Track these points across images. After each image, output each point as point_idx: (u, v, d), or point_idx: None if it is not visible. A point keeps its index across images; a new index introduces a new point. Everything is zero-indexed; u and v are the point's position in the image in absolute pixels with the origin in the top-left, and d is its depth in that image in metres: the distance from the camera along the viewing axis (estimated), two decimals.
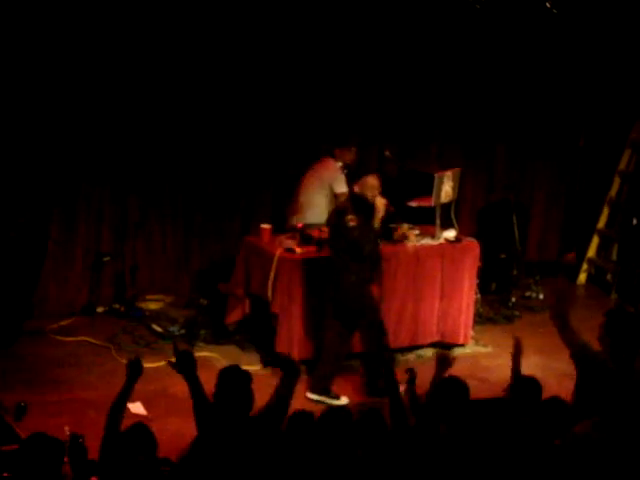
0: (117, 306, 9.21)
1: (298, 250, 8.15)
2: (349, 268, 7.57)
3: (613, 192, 11.12)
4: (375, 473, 4.78)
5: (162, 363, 7.81)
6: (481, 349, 8.88)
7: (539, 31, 10.31)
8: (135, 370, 5.29)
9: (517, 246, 10.28)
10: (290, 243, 8.23)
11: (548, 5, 9.36)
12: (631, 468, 4.88)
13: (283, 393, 5.41)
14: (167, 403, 7.10)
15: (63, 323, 8.77)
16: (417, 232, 8.61)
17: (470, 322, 8.86)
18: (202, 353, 8.27)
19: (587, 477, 4.88)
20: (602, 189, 11.15)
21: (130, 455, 4.51)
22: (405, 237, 8.49)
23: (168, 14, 8.94)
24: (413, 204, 9.21)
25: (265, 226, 8.48)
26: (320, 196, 8.77)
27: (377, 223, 7.58)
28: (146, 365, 7.75)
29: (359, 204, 7.61)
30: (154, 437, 4.65)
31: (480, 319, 9.40)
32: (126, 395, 5.19)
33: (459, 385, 5.34)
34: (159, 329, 8.77)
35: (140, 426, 4.70)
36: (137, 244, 9.45)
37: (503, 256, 10.40)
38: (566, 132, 11.22)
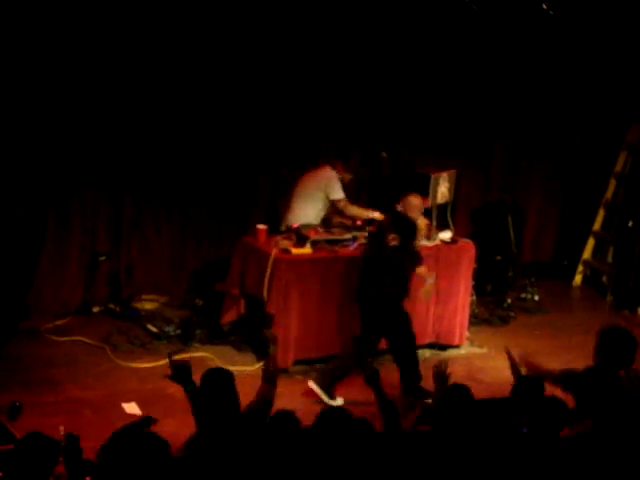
0: (112, 306, 9.20)
1: (294, 251, 8.15)
2: (384, 283, 7.57)
3: (609, 194, 11.13)
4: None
5: (158, 363, 7.83)
6: (476, 350, 8.88)
7: (536, 33, 10.31)
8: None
9: (513, 247, 10.28)
10: (286, 244, 8.23)
11: (544, 6, 9.36)
12: (627, 468, 4.89)
13: (264, 393, 5.47)
14: (163, 404, 7.08)
15: (58, 323, 8.75)
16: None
17: (465, 323, 8.87)
18: (197, 353, 8.28)
19: (584, 477, 4.89)
20: (598, 191, 11.16)
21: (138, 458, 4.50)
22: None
23: (168, 16, 8.92)
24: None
25: (261, 226, 8.47)
26: (315, 200, 8.74)
27: (419, 243, 7.65)
28: (141, 365, 7.88)
29: (401, 223, 7.59)
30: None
31: (475, 320, 9.40)
32: None
33: (464, 392, 5.36)
34: (154, 329, 8.75)
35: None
36: (132, 244, 9.44)
37: (499, 257, 10.40)
38: (562, 134, 11.23)
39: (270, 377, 5.69)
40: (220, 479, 4.78)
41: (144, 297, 9.41)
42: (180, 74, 9.14)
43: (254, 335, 8.49)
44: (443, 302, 8.62)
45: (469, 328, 8.99)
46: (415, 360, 7.78)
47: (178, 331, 8.72)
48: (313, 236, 8.29)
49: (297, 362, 8.12)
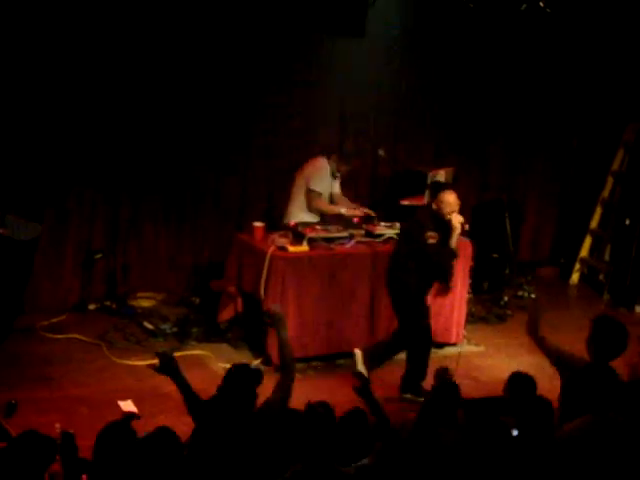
0: (109, 303, 9.20)
1: (291, 248, 8.14)
2: (413, 272, 7.57)
3: (606, 192, 11.15)
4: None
5: (154, 361, 7.81)
6: (473, 348, 8.88)
7: (533, 32, 10.32)
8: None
9: (510, 245, 10.28)
10: (283, 241, 8.22)
11: (542, 4, 9.35)
12: (623, 466, 4.89)
13: (280, 383, 5.44)
14: (158, 401, 7.08)
15: (54, 320, 8.74)
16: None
17: (462, 321, 8.86)
18: (194, 351, 8.27)
19: (578, 475, 4.88)
20: (595, 189, 11.17)
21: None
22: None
23: (166, 16, 8.93)
24: (406, 203, 9.20)
25: (258, 224, 8.46)
26: (303, 192, 8.77)
27: (454, 242, 7.56)
28: (137, 363, 7.88)
29: (438, 221, 7.56)
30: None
31: (472, 318, 9.41)
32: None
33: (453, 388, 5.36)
34: (151, 327, 8.75)
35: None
36: (129, 241, 9.44)
37: (495, 255, 10.41)
38: (560, 132, 11.26)
39: (286, 364, 5.65)
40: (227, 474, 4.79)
41: (140, 294, 9.40)
42: (176, 73, 9.15)
43: (251, 333, 8.49)
44: (440, 300, 8.61)
45: (466, 326, 8.98)
46: (426, 358, 7.76)
47: (174, 329, 8.72)
48: (310, 234, 8.27)
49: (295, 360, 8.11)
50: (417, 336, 7.72)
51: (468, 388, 7.56)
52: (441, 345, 8.67)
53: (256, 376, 5.25)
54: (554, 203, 11.57)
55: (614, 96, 11.00)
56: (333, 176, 8.84)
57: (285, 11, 9.26)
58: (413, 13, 9.85)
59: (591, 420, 5.04)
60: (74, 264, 9.19)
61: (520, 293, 10.40)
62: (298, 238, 8.25)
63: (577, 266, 11.23)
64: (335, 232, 8.43)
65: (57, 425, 5.10)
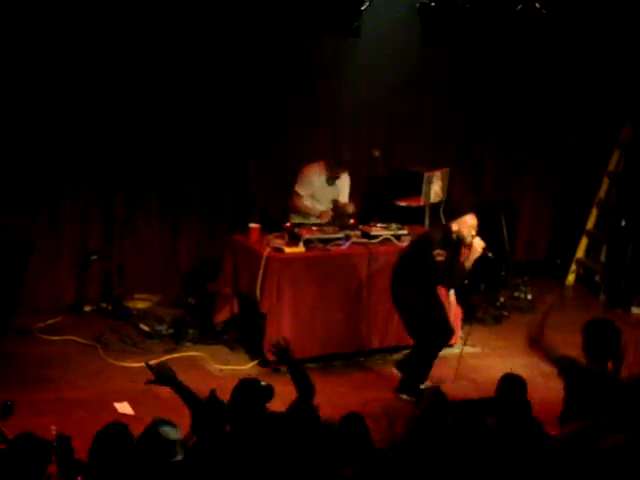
0: (104, 305, 9.18)
1: (287, 249, 8.13)
2: (413, 282, 7.60)
3: (602, 193, 11.14)
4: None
5: (150, 363, 7.80)
6: (470, 349, 8.87)
7: (529, 32, 10.31)
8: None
9: (506, 246, 10.27)
10: (279, 242, 8.21)
11: (537, 5, 9.36)
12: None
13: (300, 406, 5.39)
14: (154, 403, 7.06)
15: (50, 322, 8.72)
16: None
17: (458, 322, 8.85)
18: (190, 353, 8.26)
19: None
20: (591, 190, 11.17)
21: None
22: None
23: (162, 15, 8.92)
24: (402, 204, 9.20)
25: (254, 225, 8.45)
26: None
27: (470, 263, 7.55)
28: (133, 365, 7.86)
29: (451, 240, 7.55)
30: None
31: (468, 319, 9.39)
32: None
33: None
34: (146, 328, 8.73)
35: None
36: (124, 243, 9.42)
37: (492, 256, 10.39)
38: (555, 133, 11.25)
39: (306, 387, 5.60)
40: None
41: (136, 296, 9.39)
42: (169, 71, 9.14)
43: (247, 334, 8.48)
44: None
45: (462, 327, 8.97)
46: (430, 363, 7.76)
47: (170, 330, 8.70)
48: (306, 235, 8.26)
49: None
50: (429, 339, 7.73)
51: (466, 389, 7.61)
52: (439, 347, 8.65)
53: (266, 392, 5.18)
54: (550, 204, 11.57)
55: (609, 96, 11.00)
56: (328, 183, 8.84)
57: (278, 11, 9.26)
58: (409, 13, 9.83)
59: (588, 424, 5.03)
60: (69, 265, 9.18)
61: (516, 294, 10.39)
62: (294, 239, 8.24)
63: (573, 267, 11.23)
64: (331, 233, 8.43)
65: (53, 427, 5.09)
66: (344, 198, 8.95)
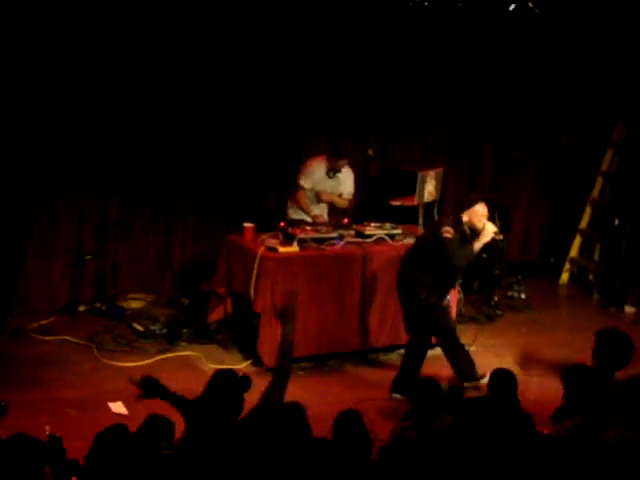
0: (98, 305, 9.17)
1: (281, 249, 8.12)
2: (424, 283, 7.58)
3: (595, 192, 11.15)
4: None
5: (144, 362, 7.81)
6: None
7: (522, 32, 10.32)
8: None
9: (499, 245, 10.27)
10: (273, 242, 8.21)
11: (531, 5, 9.36)
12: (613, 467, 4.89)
13: (272, 394, 5.40)
14: (148, 403, 7.05)
15: (44, 322, 8.71)
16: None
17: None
18: (184, 352, 8.26)
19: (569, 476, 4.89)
20: (585, 189, 11.18)
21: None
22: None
23: (159, 15, 8.91)
24: (396, 203, 9.20)
25: (248, 225, 8.44)
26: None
27: (479, 245, 7.59)
28: (127, 364, 7.85)
29: (463, 231, 7.57)
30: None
31: (462, 318, 9.39)
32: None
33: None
34: (140, 328, 8.72)
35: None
36: (119, 243, 9.41)
37: (485, 255, 10.40)
38: (549, 133, 11.26)
39: (283, 362, 5.59)
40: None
41: (130, 296, 9.38)
42: (165, 73, 9.13)
43: (241, 334, 8.48)
44: None
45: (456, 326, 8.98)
46: (420, 363, 7.75)
47: (164, 330, 8.69)
48: (300, 234, 8.26)
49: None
50: (419, 340, 7.74)
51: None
52: (432, 345, 8.65)
53: (244, 383, 5.17)
54: (544, 203, 11.57)
55: (603, 95, 11.01)
56: (328, 175, 8.87)
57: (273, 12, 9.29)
58: (402, 13, 9.84)
59: (582, 421, 5.04)
60: (63, 265, 9.17)
61: (510, 293, 10.40)
62: (288, 239, 8.24)
63: (567, 266, 11.23)
64: (325, 233, 8.42)
65: (47, 427, 5.09)
66: (348, 191, 8.99)
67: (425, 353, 7.80)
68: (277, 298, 8.00)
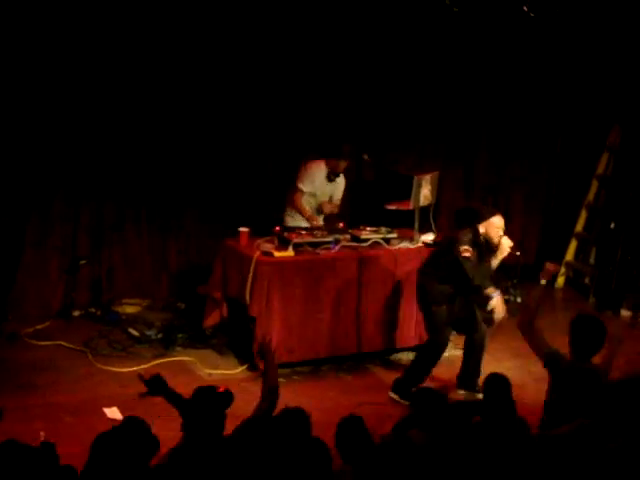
0: (93, 310, 9.16)
1: (276, 253, 8.11)
2: (435, 288, 7.63)
3: (591, 196, 11.17)
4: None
5: (139, 367, 7.78)
6: (459, 352, 8.84)
7: (517, 36, 10.33)
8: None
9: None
10: (268, 246, 8.20)
11: (525, 9, 9.36)
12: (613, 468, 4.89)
13: (264, 409, 5.38)
14: (144, 408, 7.03)
15: (38, 327, 8.69)
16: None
17: None
18: (179, 357, 8.24)
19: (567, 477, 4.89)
20: (580, 193, 11.19)
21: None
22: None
23: (159, 15, 8.90)
24: (392, 207, 9.19)
25: (243, 229, 8.44)
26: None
27: (497, 262, 7.62)
28: (122, 370, 7.83)
29: (479, 243, 7.56)
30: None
31: None
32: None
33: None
34: (136, 333, 8.71)
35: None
36: (114, 247, 9.40)
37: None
38: (544, 136, 11.26)
39: (269, 392, 5.57)
40: None
41: (125, 301, 9.36)
42: (162, 78, 9.12)
43: (236, 339, 8.46)
44: None
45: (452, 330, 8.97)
46: (429, 368, 7.76)
47: (160, 335, 8.68)
48: (295, 239, 8.26)
49: (280, 365, 8.06)
50: (432, 345, 7.75)
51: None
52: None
53: (225, 399, 5.08)
54: (539, 206, 11.57)
55: (598, 99, 11.02)
56: (329, 179, 8.87)
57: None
58: (397, 17, 9.85)
59: (580, 424, 5.04)
60: (58, 270, 9.15)
61: (506, 297, 10.36)
62: (283, 243, 8.23)
63: (562, 269, 11.23)
64: (320, 237, 8.42)
65: (42, 433, 5.07)
66: (338, 196, 9.02)
67: (439, 358, 7.78)
68: (272, 302, 7.99)
